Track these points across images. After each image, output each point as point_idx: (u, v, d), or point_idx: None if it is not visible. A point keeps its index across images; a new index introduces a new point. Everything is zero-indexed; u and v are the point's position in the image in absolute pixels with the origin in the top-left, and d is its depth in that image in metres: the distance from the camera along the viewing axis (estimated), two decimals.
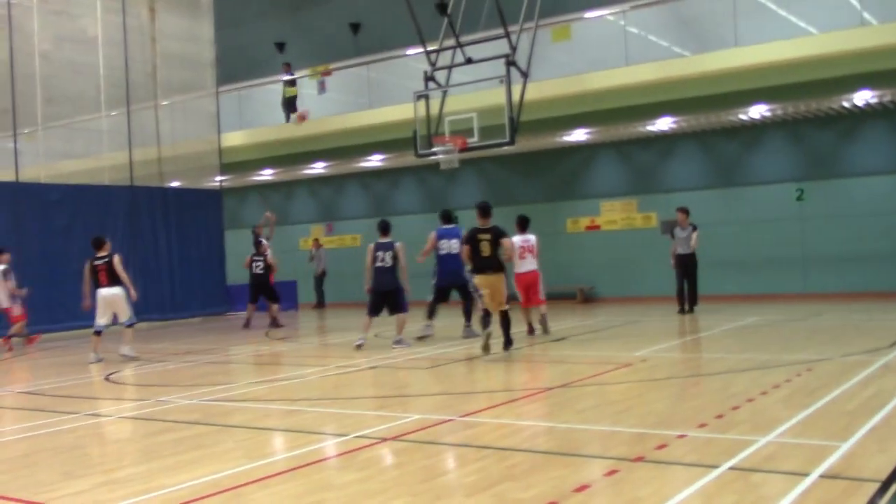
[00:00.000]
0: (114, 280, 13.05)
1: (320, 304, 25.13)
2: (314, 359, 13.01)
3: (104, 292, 13.04)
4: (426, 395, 8.79)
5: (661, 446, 5.85)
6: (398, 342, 13.03)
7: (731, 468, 5.19)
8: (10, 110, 18.78)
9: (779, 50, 16.37)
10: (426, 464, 5.83)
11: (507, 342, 11.36)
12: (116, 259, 13.21)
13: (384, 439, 6.59)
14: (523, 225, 13.78)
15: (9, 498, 5.38)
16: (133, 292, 13.13)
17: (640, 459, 5.52)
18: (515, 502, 4.73)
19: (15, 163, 18.72)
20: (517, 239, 13.06)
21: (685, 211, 16.98)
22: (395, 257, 13.01)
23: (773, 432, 6.08)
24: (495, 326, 11.24)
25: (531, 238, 13.58)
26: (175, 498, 5.18)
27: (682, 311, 16.59)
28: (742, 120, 19.61)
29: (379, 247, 13.11)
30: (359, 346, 12.88)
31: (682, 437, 6.12)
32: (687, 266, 16.69)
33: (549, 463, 5.61)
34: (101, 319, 13.12)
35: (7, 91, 18.66)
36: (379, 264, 13.07)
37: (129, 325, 13.34)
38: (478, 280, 11.33)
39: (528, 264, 13.50)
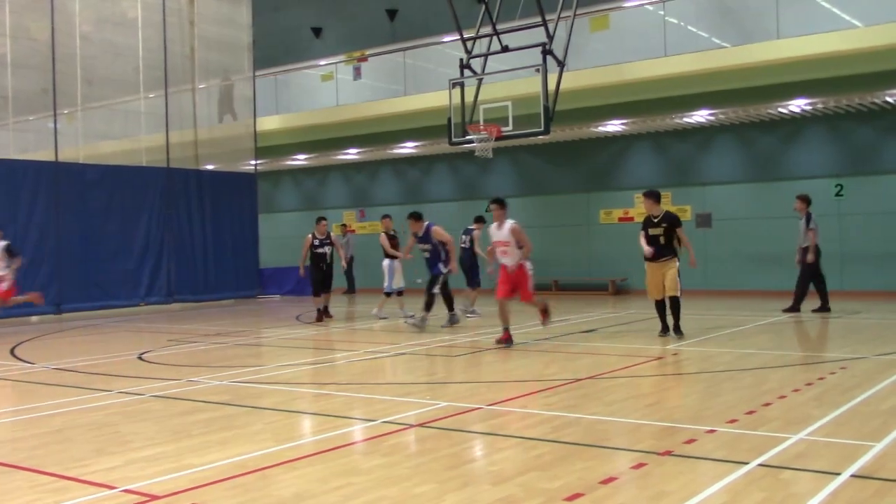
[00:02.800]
0: None
1: (350, 289, 25.23)
2: (343, 343, 13.08)
3: None
4: (454, 382, 8.80)
5: (690, 441, 5.81)
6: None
7: (761, 465, 5.14)
8: (51, 91, 19.03)
9: (822, 43, 16.10)
10: (453, 451, 5.83)
11: (675, 329, 11.72)
12: None
13: (411, 426, 6.60)
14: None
15: (42, 472, 5.47)
16: None
17: (668, 453, 5.48)
18: (542, 492, 4.72)
19: (55, 143, 18.97)
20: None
21: (804, 199, 15.46)
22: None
23: (805, 430, 6.01)
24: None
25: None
26: (203, 477, 5.23)
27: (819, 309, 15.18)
28: (781, 113, 19.34)
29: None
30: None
31: (711, 432, 6.07)
32: (802, 261, 15.26)
33: (575, 454, 5.59)
34: None
35: (48, 72, 18.91)
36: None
37: None
38: (647, 267, 11.79)
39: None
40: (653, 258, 11.62)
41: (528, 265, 11.47)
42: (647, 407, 7.16)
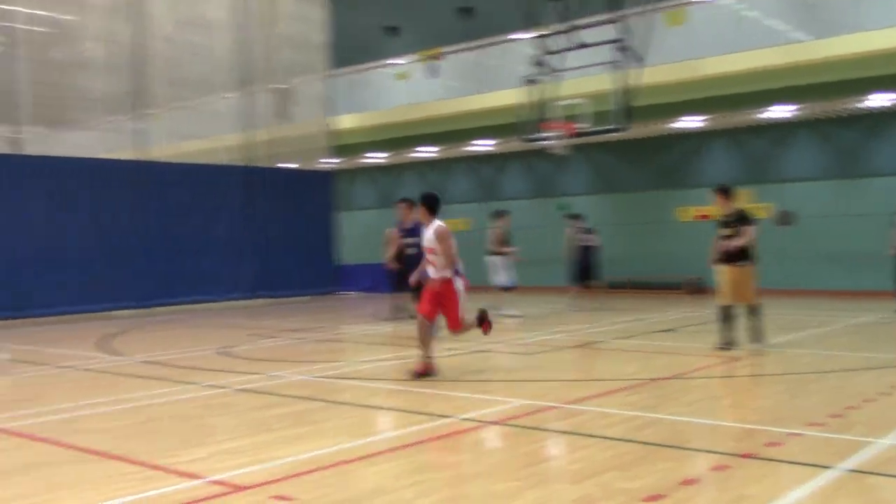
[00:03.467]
0: None
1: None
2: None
3: None
4: (531, 380, 8.79)
5: (772, 444, 5.71)
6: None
7: (847, 470, 5.03)
8: (135, 92, 19.61)
9: None
10: (530, 449, 5.85)
11: (755, 337, 10.43)
12: None
13: (489, 423, 6.63)
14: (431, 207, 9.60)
15: (131, 461, 5.67)
16: None
17: (749, 456, 5.40)
18: (621, 492, 4.70)
19: (139, 142, 19.54)
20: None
21: None
22: None
23: (893, 435, 5.84)
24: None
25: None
26: (284, 470, 5.35)
27: None
28: (863, 108, 18.76)
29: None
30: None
31: (794, 435, 5.95)
32: None
33: (654, 454, 5.54)
34: None
35: (132, 73, 19.48)
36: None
37: None
38: (720, 271, 10.48)
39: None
40: (726, 261, 10.42)
41: (460, 283, 9.21)
42: (727, 408, 7.05)
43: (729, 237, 10.35)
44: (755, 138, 21.02)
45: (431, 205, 9.46)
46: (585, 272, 17.39)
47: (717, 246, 10.51)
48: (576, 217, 17.70)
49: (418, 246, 11.32)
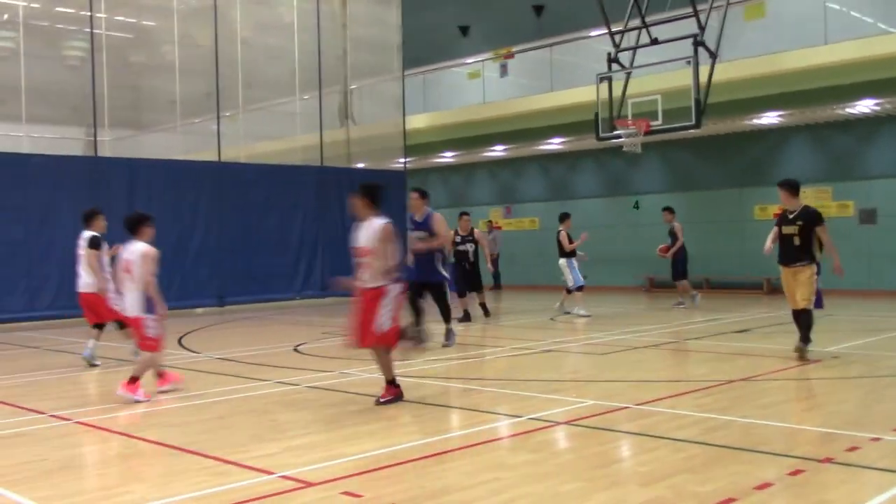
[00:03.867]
0: None
1: (496, 285, 25.36)
2: (490, 339, 13.16)
3: None
4: (601, 380, 8.71)
5: (852, 448, 5.53)
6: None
7: None
8: (214, 94, 20.04)
9: None
10: (600, 450, 5.79)
11: (802, 338, 9.66)
12: None
13: (558, 423, 6.59)
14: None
15: (207, 455, 5.80)
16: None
17: (827, 461, 5.24)
18: (693, 495, 4.62)
19: (218, 144, 19.99)
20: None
21: None
22: None
23: None
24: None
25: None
26: (354, 467, 5.40)
27: None
28: None
29: None
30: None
31: (875, 440, 5.76)
32: None
33: (727, 457, 5.43)
34: None
35: (212, 76, 19.92)
36: None
37: None
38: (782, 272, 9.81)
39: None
40: (785, 262, 9.68)
41: (392, 288, 7.50)
42: (804, 411, 6.87)
43: (791, 235, 9.61)
44: (838, 134, 20.42)
45: (372, 196, 7.71)
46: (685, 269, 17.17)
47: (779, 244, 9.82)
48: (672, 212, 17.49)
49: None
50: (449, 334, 11.71)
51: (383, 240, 7.47)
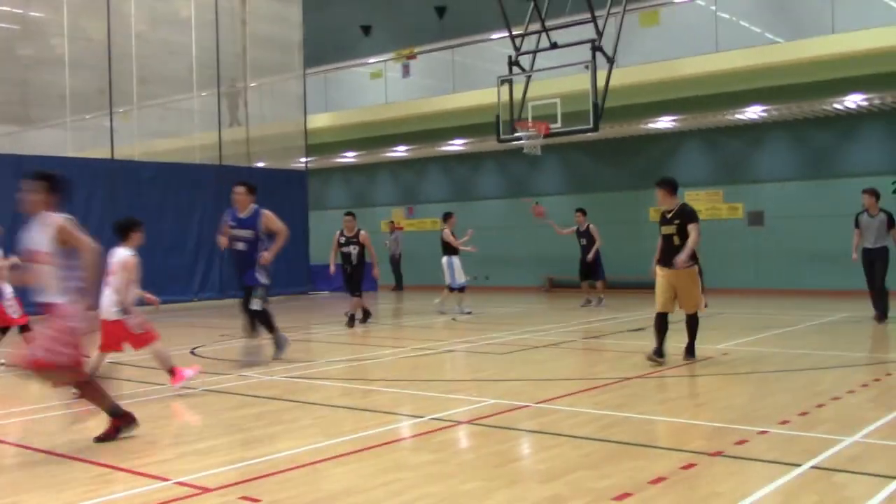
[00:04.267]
0: None
1: (398, 286, 25.34)
2: (391, 340, 13.14)
3: None
4: (502, 380, 8.79)
5: (741, 442, 5.74)
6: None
7: (814, 467, 5.06)
8: (107, 90, 19.40)
9: (879, 37, 15.73)
10: (500, 448, 5.84)
11: (688, 349, 9.62)
12: None
13: (459, 422, 6.62)
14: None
15: (97, 463, 5.60)
16: None
17: (718, 454, 5.42)
18: (590, 491, 4.70)
19: (111, 141, 19.34)
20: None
21: (873, 193, 13.17)
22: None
23: (860, 433, 5.90)
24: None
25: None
26: (253, 471, 5.30)
27: (878, 318, 13.06)
28: (837, 109, 18.95)
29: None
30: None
31: (763, 433, 5.99)
32: (874, 262, 13.08)
33: (624, 453, 5.55)
34: None
35: (104, 71, 19.27)
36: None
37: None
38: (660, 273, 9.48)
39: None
40: (665, 263, 9.37)
41: (72, 310, 6.01)
42: (696, 407, 7.08)
43: (670, 235, 9.35)
44: (729, 139, 21.18)
45: (53, 186, 6.28)
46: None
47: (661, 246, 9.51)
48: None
49: (248, 242, 10.22)
50: (279, 343, 10.22)
51: (59, 241, 6.10)
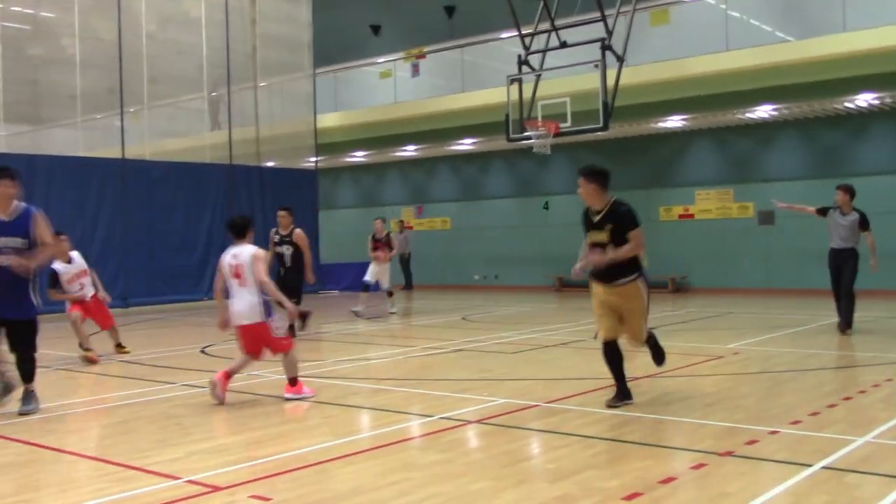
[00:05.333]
0: None
1: (408, 285, 25.36)
2: (401, 339, 13.14)
3: None
4: (511, 379, 8.78)
5: (752, 442, 5.72)
6: None
7: (825, 468, 5.04)
8: (118, 90, 19.47)
9: (890, 36, 15.66)
10: (509, 448, 5.83)
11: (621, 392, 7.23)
12: None
13: (468, 422, 6.61)
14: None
15: (109, 461, 5.62)
16: None
17: (728, 454, 5.40)
18: (599, 491, 4.69)
19: (121, 141, 19.41)
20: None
21: (848, 190, 11.96)
22: None
23: (871, 433, 5.87)
24: None
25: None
26: (263, 470, 5.31)
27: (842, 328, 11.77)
28: (847, 108, 18.87)
29: None
30: None
31: (773, 433, 5.97)
32: (841, 266, 11.78)
33: (634, 453, 5.54)
34: None
35: (115, 71, 19.33)
36: None
37: None
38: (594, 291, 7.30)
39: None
40: (600, 277, 7.15)
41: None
42: (707, 407, 7.06)
43: (602, 245, 7.07)
44: (739, 138, 21.12)
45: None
46: None
47: (589, 255, 7.19)
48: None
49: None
50: (27, 398, 7.39)
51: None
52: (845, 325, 11.69)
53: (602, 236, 7.08)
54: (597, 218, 7.17)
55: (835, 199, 11.93)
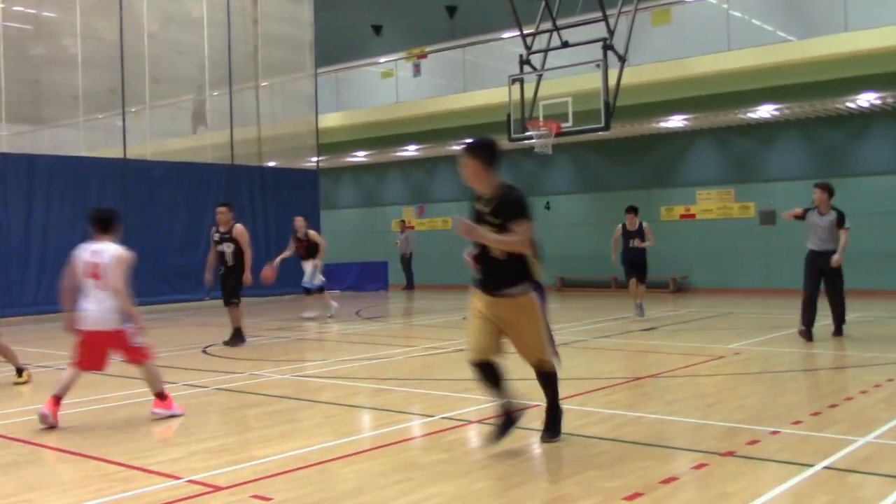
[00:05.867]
0: None
1: (409, 285, 25.36)
2: (402, 339, 13.15)
3: None
4: (513, 379, 8.76)
5: (753, 442, 5.72)
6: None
7: (826, 468, 5.04)
8: (119, 89, 19.48)
9: (892, 35, 15.66)
10: (511, 448, 5.83)
11: (548, 426, 5.99)
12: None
13: (470, 422, 6.62)
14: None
15: (111, 461, 5.62)
16: None
17: (730, 454, 5.41)
18: (600, 491, 4.69)
19: (123, 140, 19.42)
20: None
21: (826, 188, 11.38)
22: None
23: (873, 433, 5.87)
24: None
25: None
26: (264, 469, 5.32)
27: (807, 334, 10.97)
28: (849, 108, 18.86)
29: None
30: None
31: (775, 433, 5.97)
32: (825, 269, 11.14)
33: (635, 453, 5.54)
34: None
35: (116, 71, 19.34)
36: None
37: None
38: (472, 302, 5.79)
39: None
40: (485, 286, 5.65)
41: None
42: (708, 407, 7.06)
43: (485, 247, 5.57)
44: (741, 138, 21.12)
45: None
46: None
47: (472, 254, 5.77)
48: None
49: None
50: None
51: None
52: (838, 330, 11.24)
53: (483, 228, 5.51)
54: (486, 208, 5.59)
55: (812, 199, 11.44)
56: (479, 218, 5.64)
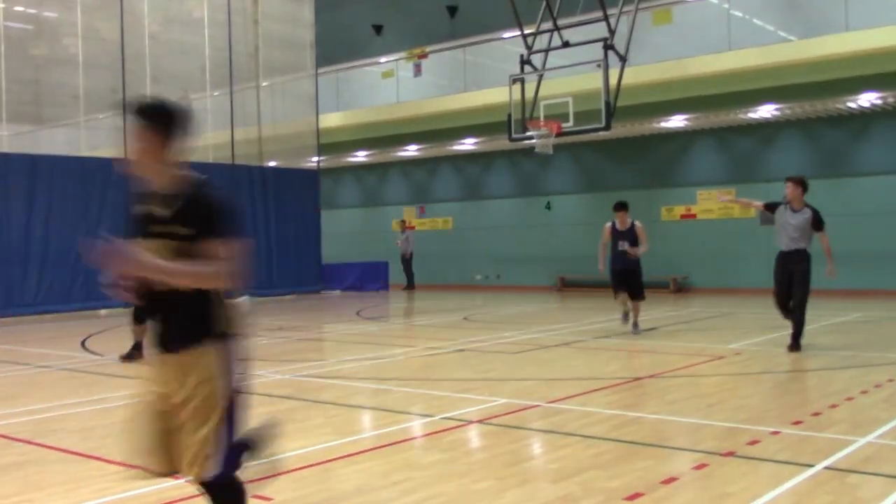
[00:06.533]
0: None
1: (410, 285, 25.37)
2: (403, 339, 13.15)
3: None
4: (513, 379, 8.79)
5: (754, 442, 5.72)
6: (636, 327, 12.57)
7: (827, 468, 5.04)
8: (120, 89, 19.48)
9: (893, 35, 15.67)
10: (511, 448, 5.83)
11: None
12: None
13: (470, 422, 6.62)
14: None
15: (112, 461, 5.62)
16: None
17: (730, 454, 5.41)
18: (601, 491, 4.69)
19: (124, 140, 19.39)
20: None
21: (800, 182, 10.39)
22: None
23: (873, 433, 5.87)
24: None
25: None
26: (263, 470, 5.30)
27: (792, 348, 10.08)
28: (850, 108, 18.85)
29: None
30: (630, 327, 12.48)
31: (775, 433, 5.97)
32: (792, 271, 10.30)
33: (636, 453, 5.54)
34: None
35: (117, 71, 19.35)
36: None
37: None
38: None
39: None
40: (157, 339, 3.58)
41: None
42: (708, 407, 7.06)
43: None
44: (741, 138, 21.11)
45: None
46: None
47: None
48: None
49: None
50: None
51: None
52: (794, 344, 10.02)
53: (157, 245, 3.48)
54: (164, 210, 3.60)
55: (784, 194, 10.42)
56: (147, 225, 3.63)
